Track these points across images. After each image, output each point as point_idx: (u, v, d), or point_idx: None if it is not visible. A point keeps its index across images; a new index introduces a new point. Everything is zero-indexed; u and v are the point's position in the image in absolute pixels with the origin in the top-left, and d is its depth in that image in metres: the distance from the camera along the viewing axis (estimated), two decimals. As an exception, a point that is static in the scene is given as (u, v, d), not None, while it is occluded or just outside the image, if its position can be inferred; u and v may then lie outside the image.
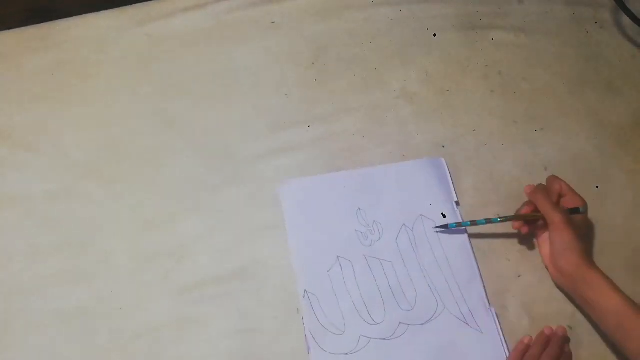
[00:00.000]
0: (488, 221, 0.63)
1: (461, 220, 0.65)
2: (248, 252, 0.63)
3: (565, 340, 0.60)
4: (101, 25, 0.76)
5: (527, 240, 0.66)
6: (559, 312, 0.62)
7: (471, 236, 0.65)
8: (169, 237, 0.64)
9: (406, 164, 0.69)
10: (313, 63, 0.75)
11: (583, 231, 0.63)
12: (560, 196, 0.64)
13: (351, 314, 0.61)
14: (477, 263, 0.64)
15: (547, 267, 0.64)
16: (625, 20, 0.78)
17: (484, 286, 0.63)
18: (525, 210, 0.63)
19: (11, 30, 0.75)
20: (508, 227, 0.66)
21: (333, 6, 0.79)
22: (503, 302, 0.62)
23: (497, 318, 0.61)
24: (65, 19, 0.76)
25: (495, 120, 0.73)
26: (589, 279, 0.58)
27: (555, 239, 0.60)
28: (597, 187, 0.69)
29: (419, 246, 0.64)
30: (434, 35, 0.78)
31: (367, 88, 0.74)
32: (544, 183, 0.66)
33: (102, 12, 0.77)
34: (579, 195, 0.63)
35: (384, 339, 0.60)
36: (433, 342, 0.60)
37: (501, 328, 0.61)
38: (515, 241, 0.66)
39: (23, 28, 0.75)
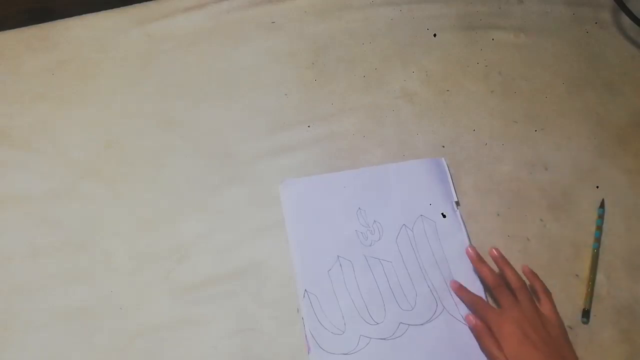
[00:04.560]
0: None
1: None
2: (248, 252, 0.63)
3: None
4: (101, 25, 0.76)
5: (527, 242, 0.66)
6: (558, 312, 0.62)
7: (471, 236, 0.65)
8: (169, 237, 0.64)
9: (406, 164, 0.69)
10: (313, 63, 0.75)
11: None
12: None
13: (351, 314, 0.61)
14: (477, 263, 0.64)
15: None
16: (625, 20, 0.78)
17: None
18: None
19: (11, 30, 0.75)
20: (508, 227, 0.66)
21: (333, 6, 0.79)
22: (503, 302, 0.62)
23: (497, 318, 0.61)
24: (65, 19, 0.76)
25: (495, 120, 0.73)
26: None
27: None
28: (597, 187, 0.69)
29: (419, 246, 0.64)
30: (434, 35, 0.78)
31: (367, 88, 0.74)
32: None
33: (102, 12, 0.77)
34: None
35: (384, 339, 0.60)
36: (433, 342, 0.60)
37: (501, 328, 0.61)
38: (515, 241, 0.66)
39: (23, 28, 0.75)
